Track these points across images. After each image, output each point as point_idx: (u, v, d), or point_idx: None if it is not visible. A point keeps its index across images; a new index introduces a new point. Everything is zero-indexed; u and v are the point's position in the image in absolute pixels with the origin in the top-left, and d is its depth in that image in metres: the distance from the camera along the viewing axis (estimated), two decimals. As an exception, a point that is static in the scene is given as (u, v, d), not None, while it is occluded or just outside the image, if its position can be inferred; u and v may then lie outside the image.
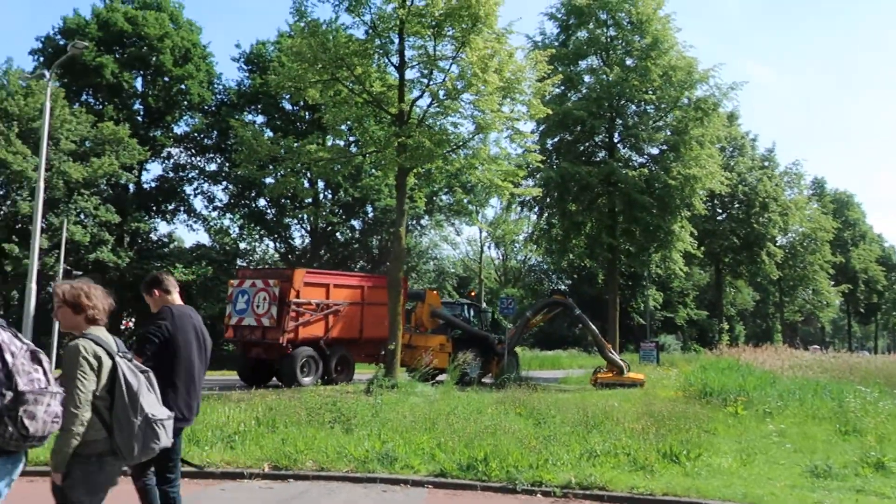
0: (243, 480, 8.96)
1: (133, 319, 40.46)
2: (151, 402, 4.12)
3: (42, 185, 23.02)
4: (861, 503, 8.07)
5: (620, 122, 30.05)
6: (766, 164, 50.16)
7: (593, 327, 24.55)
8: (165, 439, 4.17)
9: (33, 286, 22.12)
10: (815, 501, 8.10)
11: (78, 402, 3.90)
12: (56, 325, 23.03)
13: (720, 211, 46.86)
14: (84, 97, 36.96)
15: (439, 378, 21.19)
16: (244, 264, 40.75)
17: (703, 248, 40.81)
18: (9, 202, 31.12)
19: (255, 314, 20.11)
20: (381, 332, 21.47)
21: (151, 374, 4.27)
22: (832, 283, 58.93)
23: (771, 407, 15.16)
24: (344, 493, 8.50)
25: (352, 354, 21.84)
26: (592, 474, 8.79)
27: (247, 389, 17.97)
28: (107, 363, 4.04)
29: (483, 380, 22.66)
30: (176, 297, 5.62)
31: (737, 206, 46.36)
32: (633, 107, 30.14)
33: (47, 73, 24.53)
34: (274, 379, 20.88)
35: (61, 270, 23.15)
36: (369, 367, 22.31)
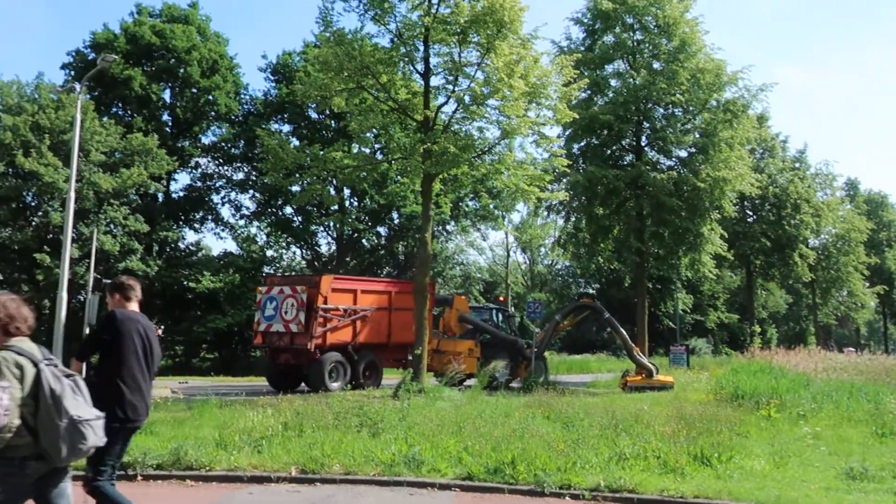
0: (270, 484, 8.97)
1: (162, 327, 40.93)
2: (77, 405, 4.29)
3: (73, 195, 23.39)
4: (900, 505, 7.87)
5: (648, 125, 29.80)
6: (798, 165, 49.43)
7: (622, 330, 24.29)
8: (94, 439, 4.34)
9: (64, 295, 22.46)
10: (851, 503, 7.91)
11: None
12: (87, 332, 23.31)
13: (750, 213, 46.24)
14: (113, 109, 37.57)
15: (468, 383, 21.12)
16: (271, 272, 41.01)
17: (733, 251, 40.28)
18: (40, 213, 31.67)
19: (284, 320, 20.29)
20: (409, 337, 21.48)
21: (78, 378, 4.45)
22: (867, 284, 57.83)
23: (804, 409, 14.87)
24: (371, 496, 8.47)
25: (380, 359, 21.84)
26: (622, 477, 8.68)
27: (274, 395, 18.05)
28: (30, 371, 4.21)
29: (511, 384, 22.53)
30: (133, 305, 5.96)
31: (767, 207, 45.70)
32: (661, 110, 29.88)
33: (77, 87, 24.97)
34: (302, 384, 20.99)
35: (91, 279, 23.46)
36: (397, 371, 22.29)
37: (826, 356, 26.80)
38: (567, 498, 8.42)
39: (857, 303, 57.85)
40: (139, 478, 9.12)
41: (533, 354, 23.16)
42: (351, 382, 20.34)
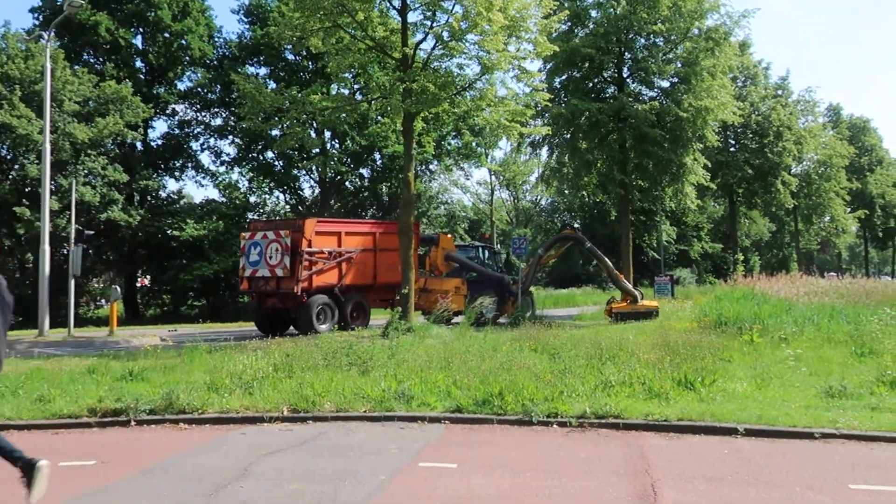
0: (263, 424, 9.10)
1: (148, 277, 40.84)
2: None
3: (48, 147, 23.03)
4: (876, 420, 8.10)
5: (629, 56, 29.45)
6: (780, 92, 49.24)
7: (605, 259, 24.73)
8: None
9: (47, 248, 22.33)
10: (829, 420, 8.14)
11: None
12: (72, 284, 23.24)
13: (733, 142, 46.22)
14: (84, 57, 36.66)
15: (455, 320, 21.33)
16: (255, 217, 40.80)
17: (716, 181, 40.40)
18: (17, 166, 31.16)
19: (269, 265, 20.40)
20: (395, 278, 21.61)
21: None
22: (848, 209, 58.35)
23: (786, 333, 15.15)
24: (362, 431, 8.62)
25: (367, 300, 22.08)
26: (607, 404, 8.87)
27: (263, 339, 18.18)
28: None
29: (499, 321, 22.76)
30: None
31: (750, 136, 45.67)
32: (642, 40, 29.48)
33: (45, 35, 24.27)
34: (291, 328, 21.18)
35: (73, 231, 23.25)
36: (385, 312, 22.43)
37: (808, 281, 27.17)
38: (554, 426, 8.61)
39: (838, 228, 58.43)
40: (133, 423, 9.23)
41: (519, 290, 23.36)
42: (339, 324, 20.53)
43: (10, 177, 31.38)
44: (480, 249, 26.59)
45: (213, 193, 59.63)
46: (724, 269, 52.19)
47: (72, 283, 23.19)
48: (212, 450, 7.94)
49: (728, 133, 44.08)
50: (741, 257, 47.69)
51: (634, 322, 21.66)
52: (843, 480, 6.39)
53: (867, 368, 11.11)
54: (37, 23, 36.27)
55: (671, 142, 27.64)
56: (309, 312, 20.04)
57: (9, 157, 32.07)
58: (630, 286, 24.69)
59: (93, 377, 11.67)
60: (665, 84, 29.72)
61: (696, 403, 9.04)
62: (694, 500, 5.93)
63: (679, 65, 28.54)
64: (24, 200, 30.02)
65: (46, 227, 22.53)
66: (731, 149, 45.69)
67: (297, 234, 20.35)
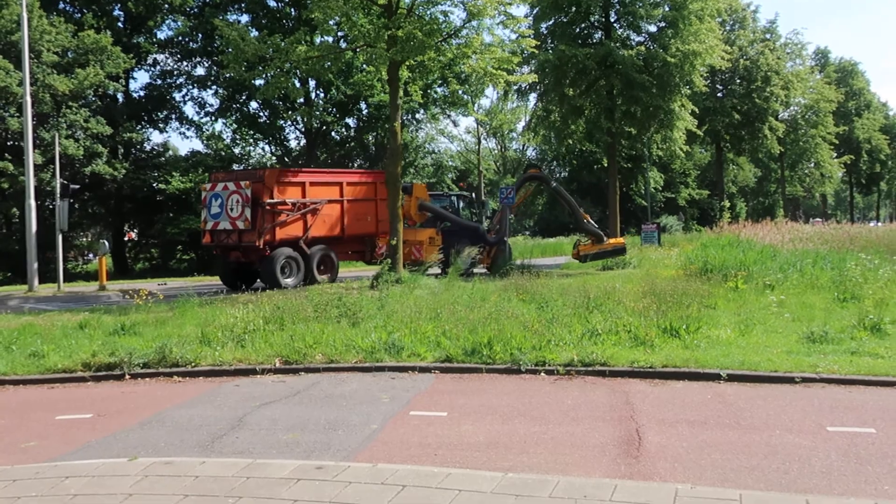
0: (256, 376, 9.26)
1: (136, 230, 40.64)
2: None
3: (28, 99, 22.66)
4: (855, 363, 8.32)
5: (616, 0, 29.08)
6: (768, 36, 48.89)
7: (570, 198, 25.12)
8: None
9: (32, 202, 22.17)
10: (810, 364, 8.35)
11: None
12: (59, 238, 23.16)
13: (720, 88, 46.02)
14: (61, 5, 35.73)
15: (431, 271, 21.28)
16: (240, 168, 40.52)
17: (704, 127, 40.31)
18: (-3, 120, 30.66)
19: (230, 217, 19.92)
20: (366, 228, 21.47)
21: None
22: (834, 154, 58.50)
23: (771, 280, 15.35)
24: (354, 382, 8.78)
25: (335, 253, 21.53)
26: (594, 352, 9.05)
27: (231, 293, 18.17)
28: None
29: (475, 270, 22.69)
30: None
31: (738, 81, 45.49)
32: (630, -18, 29.06)
33: (20, -18, 23.62)
34: (258, 282, 20.62)
35: (58, 185, 23.05)
36: (355, 265, 22.27)
37: (793, 227, 27.43)
38: (542, 374, 8.80)
39: (824, 174, 58.63)
40: (127, 377, 9.36)
41: (495, 238, 23.33)
42: (305, 278, 20.19)
43: (-9, 130, 30.91)
44: (455, 199, 26.18)
45: (198, 145, 58.90)
46: (710, 216, 52.49)
47: (59, 237, 23.11)
48: (206, 402, 8.08)
49: (716, 79, 43.86)
50: (727, 204, 47.88)
51: (609, 263, 22.95)
52: (821, 423, 6.60)
53: (849, 314, 11.33)
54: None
55: (659, 87, 27.44)
56: (272, 266, 19.52)
57: (-12, 110, 31.54)
58: (595, 227, 25.07)
59: (85, 332, 11.76)
60: (652, 28, 29.41)
61: (681, 350, 9.24)
62: (677, 444, 6.12)
63: (666, 8, 28.19)
64: (6, 155, 29.62)
65: (31, 182, 22.32)
66: (719, 94, 45.53)
67: (258, 184, 19.81)
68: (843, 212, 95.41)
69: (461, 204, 25.66)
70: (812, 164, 56.69)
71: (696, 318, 10.78)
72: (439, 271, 21.63)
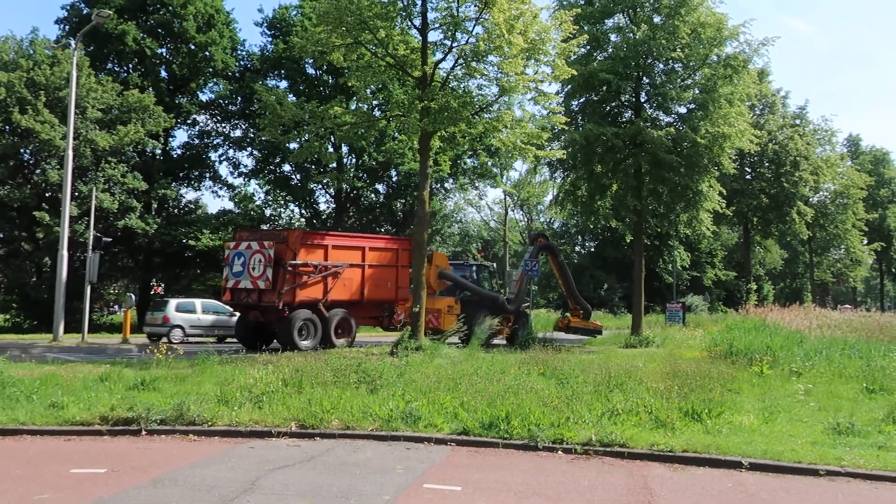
0: (271, 439, 9.20)
1: (162, 285, 41.13)
2: None
3: (70, 153, 23.42)
4: (882, 459, 8.08)
5: (647, 81, 29.48)
6: (798, 121, 49.16)
7: (569, 275, 27.03)
8: None
9: (65, 253, 22.64)
10: (835, 457, 8.13)
11: None
12: (88, 290, 23.50)
13: (749, 170, 46.12)
14: (109, 65, 37.15)
15: (450, 340, 21.19)
16: (269, 229, 41.12)
17: (731, 208, 40.29)
18: (38, 171, 31.57)
19: (251, 277, 20.08)
20: (385, 294, 21.54)
21: None
22: (865, 241, 57.94)
23: (797, 366, 15.10)
24: (369, 450, 8.69)
25: (353, 317, 21.58)
26: (613, 432, 8.90)
27: (251, 353, 18.18)
28: None
29: (494, 341, 22.57)
30: None
31: (766, 164, 45.55)
32: (661, 65, 29.51)
33: (72, 42, 24.69)
34: (275, 342, 20.74)
35: (91, 237, 23.53)
36: (374, 330, 22.23)
37: (821, 313, 27.08)
38: (559, 452, 8.65)
39: (854, 259, 57.96)
40: (143, 432, 9.35)
41: (513, 308, 23.79)
42: (322, 341, 20.20)
43: (32, 181, 31.81)
44: (476, 269, 26.41)
45: (229, 204, 60.05)
46: (737, 298, 51.95)
47: (87, 289, 23.50)
48: (220, 462, 8.04)
49: (744, 161, 43.97)
50: (754, 286, 47.44)
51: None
52: (845, 519, 6.40)
53: (877, 406, 11.07)
54: (62, 33, 36.83)
55: (687, 168, 27.57)
56: (290, 327, 19.61)
57: (31, 161, 32.54)
58: (585, 303, 27.32)
59: (105, 385, 11.82)
60: (682, 110, 29.70)
61: (702, 435, 9.06)
62: (695, 534, 5.95)
63: (697, 91, 28.55)
64: (43, 205, 30.42)
65: (66, 233, 22.85)
66: (748, 176, 45.59)
67: (281, 245, 20.01)
68: (873, 299, 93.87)
69: (482, 274, 25.76)
70: (842, 250, 56.13)
71: (718, 402, 10.59)
72: (458, 341, 21.56)
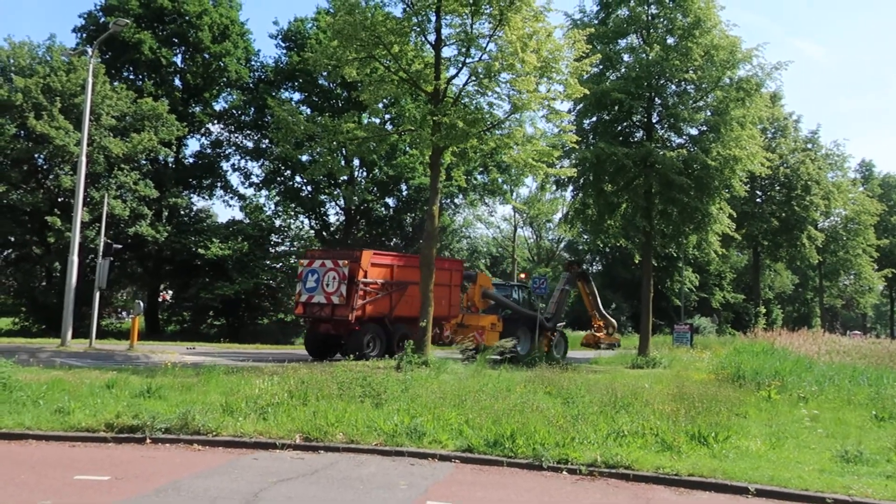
0: (275, 450, 9.18)
1: (171, 292, 41.24)
2: None
3: (84, 159, 23.54)
4: (890, 489, 8.00)
5: (659, 102, 29.49)
6: (810, 146, 49.07)
7: (596, 293, 28.87)
8: None
9: (75, 258, 22.73)
10: (842, 486, 8.04)
11: None
12: (97, 296, 23.57)
13: (759, 193, 46.01)
14: (124, 73, 37.49)
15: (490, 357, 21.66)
16: (278, 240, 41.32)
17: (741, 231, 40.16)
18: (52, 176, 31.82)
19: (325, 292, 21.47)
20: (440, 311, 22.78)
21: None
22: (876, 267, 57.64)
23: (805, 392, 14.99)
24: (373, 465, 8.66)
25: (412, 332, 22.42)
26: (619, 454, 8.83)
27: (317, 361, 18.55)
28: None
29: (497, 357, 22.90)
30: None
31: (777, 188, 45.45)
32: (673, 87, 29.52)
33: (89, 50, 24.92)
34: (337, 354, 22.02)
35: (102, 243, 23.64)
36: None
37: (830, 339, 26.89)
38: (564, 472, 8.59)
39: (864, 286, 57.63)
40: (148, 440, 9.35)
41: (554, 327, 25.71)
42: (386, 352, 21.40)
43: (45, 186, 32.03)
44: (517, 289, 27.81)
45: (239, 214, 60.41)
46: (745, 320, 51.71)
47: (97, 295, 23.56)
48: (224, 473, 8.02)
49: (755, 184, 43.87)
50: (763, 310, 47.20)
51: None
52: (853, 549, 6.32)
53: (886, 434, 10.96)
54: (79, 41, 37.20)
55: (697, 190, 27.52)
56: (361, 339, 20.98)
57: (44, 166, 32.79)
58: (611, 319, 29.85)
59: (111, 392, 11.84)
60: (694, 132, 29.67)
61: (709, 459, 8.98)
62: (700, 560, 5.90)
63: (709, 113, 28.53)
64: (55, 210, 30.62)
65: (76, 238, 22.96)
66: (758, 199, 45.48)
67: (354, 264, 21.40)
68: (883, 326, 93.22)
69: (521, 294, 26.94)
70: (852, 276, 55.84)
71: (725, 426, 10.51)
72: (498, 356, 22.42)
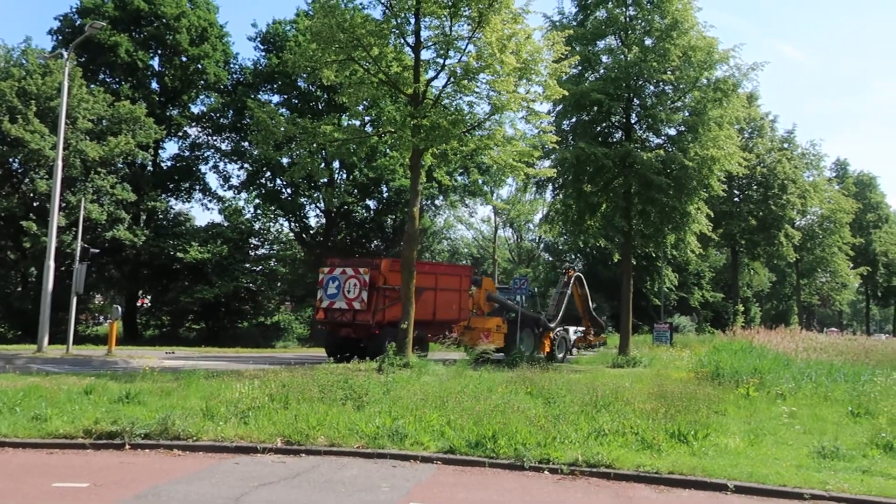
0: (256, 455, 9.14)
1: (149, 297, 40.90)
2: None
3: (60, 163, 23.28)
4: (866, 483, 8.12)
5: (638, 102, 29.66)
6: (786, 145, 49.60)
7: (588, 297, 30.16)
8: None
9: (51, 263, 22.47)
10: (819, 481, 8.16)
11: None
12: (74, 301, 23.33)
13: (737, 193, 46.44)
14: (100, 76, 37.13)
15: (498, 356, 22.78)
16: (258, 243, 41.15)
17: (719, 231, 40.52)
18: (27, 180, 31.45)
19: (347, 298, 22.18)
20: (451, 315, 23.86)
21: None
22: (851, 265, 58.40)
23: (783, 389, 15.16)
24: (354, 467, 8.65)
25: (426, 334, 23.28)
26: (599, 452, 8.89)
27: (335, 361, 19.85)
28: None
29: (536, 357, 24.05)
30: None
31: (754, 187, 45.91)
32: (651, 87, 29.70)
33: (65, 53, 24.65)
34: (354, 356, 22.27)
35: (79, 248, 23.40)
36: (438, 346, 23.58)
37: (807, 336, 27.23)
38: (546, 472, 8.64)
39: (840, 283, 58.36)
40: (127, 446, 9.27)
41: (556, 328, 26.70)
42: None
43: (20, 190, 31.65)
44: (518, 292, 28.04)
45: (218, 217, 60.12)
46: (724, 319, 52.14)
47: (74, 300, 23.30)
48: (205, 478, 7.97)
49: (733, 184, 44.27)
50: (741, 308, 47.63)
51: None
52: (830, 544, 6.41)
53: (862, 429, 11.11)
54: (55, 43, 36.80)
55: (676, 189, 27.71)
56: (381, 343, 21.22)
57: (19, 170, 32.39)
58: (600, 321, 31.39)
59: (90, 398, 11.71)
60: (672, 132, 29.87)
61: (688, 457, 9.07)
62: (680, 557, 5.95)
63: (686, 114, 28.74)
64: (31, 215, 30.27)
65: (53, 243, 22.70)
66: (736, 199, 45.91)
67: (374, 271, 22.14)
68: (858, 323, 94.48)
69: (523, 297, 27.76)
70: (828, 273, 56.50)
71: (704, 423, 10.61)
72: (501, 356, 23.55)
